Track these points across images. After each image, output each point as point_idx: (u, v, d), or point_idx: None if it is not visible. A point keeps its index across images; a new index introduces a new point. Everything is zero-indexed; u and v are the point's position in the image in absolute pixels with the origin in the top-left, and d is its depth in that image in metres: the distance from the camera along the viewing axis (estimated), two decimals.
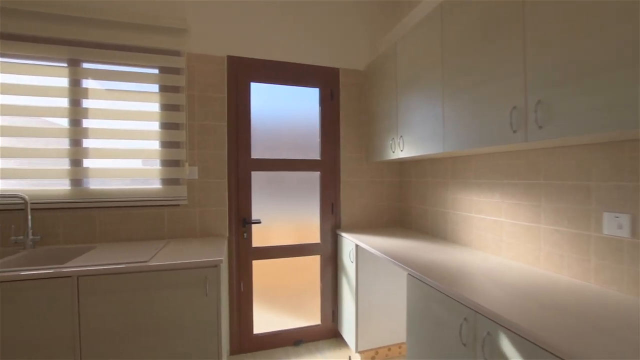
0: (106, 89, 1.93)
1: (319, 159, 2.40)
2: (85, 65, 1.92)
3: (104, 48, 1.92)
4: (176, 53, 2.03)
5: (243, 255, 2.22)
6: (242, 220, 2.21)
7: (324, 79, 2.39)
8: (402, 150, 1.95)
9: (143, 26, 1.95)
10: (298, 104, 2.37)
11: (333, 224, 2.43)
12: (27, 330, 1.35)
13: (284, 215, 2.35)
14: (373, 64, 2.32)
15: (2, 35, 1.79)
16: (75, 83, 1.89)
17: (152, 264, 1.47)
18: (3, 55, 1.80)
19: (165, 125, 2.03)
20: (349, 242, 2.16)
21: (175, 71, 2.03)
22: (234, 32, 2.16)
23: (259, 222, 2.23)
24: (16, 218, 1.81)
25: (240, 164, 2.20)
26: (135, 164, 2.04)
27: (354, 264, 2.08)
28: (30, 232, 1.75)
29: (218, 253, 1.66)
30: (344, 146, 2.43)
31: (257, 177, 2.26)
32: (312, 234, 2.40)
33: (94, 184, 1.97)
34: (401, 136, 1.95)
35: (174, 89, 2.03)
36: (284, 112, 2.33)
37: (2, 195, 1.63)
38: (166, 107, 2.02)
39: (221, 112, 2.13)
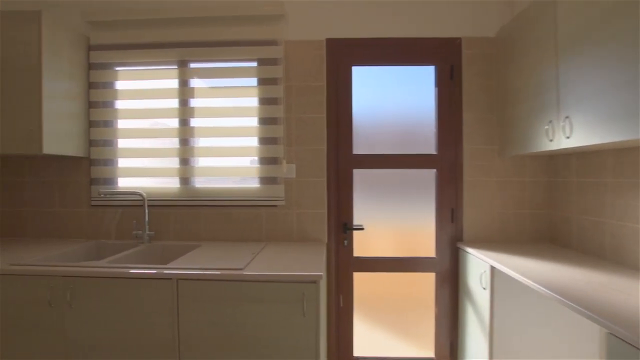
0: (210, 87, 1.92)
1: (434, 153, 1.94)
2: (192, 65, 1.94)
3: (207, 46, 1.90)
4: (273, 42, 1.89)
5: (343, 265, 1.94)
6: (342, 226, 1.93)
7: (441, 54, 1.91)
8: (568, 138, 1.33)
9: (241, 18, 1.86)
10: (408, 87, 1.96)
11: (452, 235, 1.93)
12: (133, 327, 1.35)
13: (390, 221, 1.97)
14: (511, 26, 1.72)
15: (121, 46, 1.94)
16: (184, 83, 1.93)
17: (247, 274, 1.31)
18: (123, 64, 1.96)
19: (264, 121, 1.91)
20: (479, 261, 1.64)
21: (273, 62, 1.89)
22: (332, 12, 1.90)
23: (362, 229, 1.92)
24: (136, 214, 1.94)
25: (340, 160, 1.93)
26: (236, 162, 1.98)
27: (487, 291, 1.56)
28: (146, 227, 1.84)
29: (317, 265, 1.41)
30: (468, 136, 1.90)
31: (359, 175, 1.95)
32: (424, 245, 1.95)
33: (200, 183, 1.98)
34: (567, 117, 1.34)
35: (272, 81, 1.89)
36: (391, 98, 1.96)
37: (124, 192, 1.73)
38: (264, 101, 1.90)
39: (320, 102, 1.89)
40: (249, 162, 1.97)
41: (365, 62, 1.93)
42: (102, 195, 1.68)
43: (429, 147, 1.95)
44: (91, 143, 1.96)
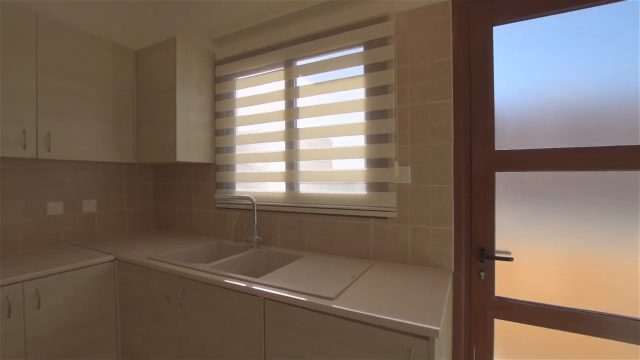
0: (314, 84, 1.76)
1: None
2: (298, 62, 1.83)
3: (311, 39, 1.75)
4: (383, 19, 1.55)
5: (478, 306, 1.40)
6: (478, 251, 1.39)
7: None
8: None
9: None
10: (598, 45, 1.24)
11: None
12: (223, 337, 1.28)
13: (559, 250, 1.29)
14: None
15: (239, 56, 2.02)
16: (289, 84, 1.84)
17: (336, 307, 1.03)
18: (241, 74, 2.04)
19: (371, 115, 1.60)
20: None
21: (382, 42, 1.55)
22: None
23: (509, 259, 1.33)
24: (249, 218, 1.98)
25: (475, 160, 1.40)
26: (341, 164, 1.75)
27: None
28: (255, 232, 1.83)
29: (434, 309, 0.99)
30: None
31: (505, 181, 1.37)
32: (628, 293, 1.18)
33: (303, 188, 1.85)
34: None
35: (381, 66, 1.56)
36: (563, 65, 1.28)
37: (236, 196, 1.76)
38: (372, 92, 1.59)
39: (444, 84, 1.43)
40: (356, 165, 1.69)
41: (517, 15, 1.33)
42: (218, 200, 1.77)
43: (633, 136, 1.16)
44: (216, 150, 2.14)
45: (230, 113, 2.09)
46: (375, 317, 0.96)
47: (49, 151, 1.64)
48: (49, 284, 1.44)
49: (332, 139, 1.80)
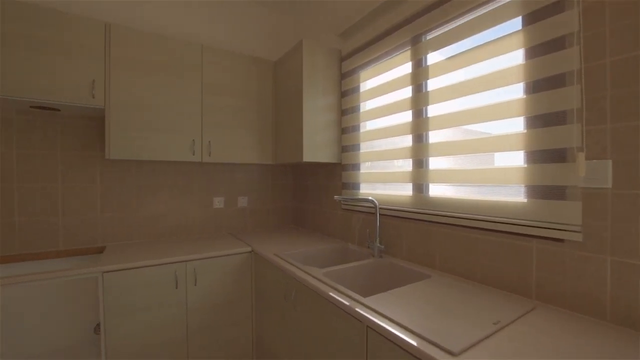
0: (447, 59, 1.38)
1: None
2: (428, 35, 1.49)
3: (443, 3, 1.38)
4: None
5: None
6: None
7: None
8: None
9: None
10: None
11: None
12: (323, 350, 1.15)
13: None
14: None
15: (363, 46, 1.85)
16: (417, 64, 1.53)
17: None
18: (366, 65, 1.86)
19: (535, 86, 1.09)
20: None
21: None
22: None
23: None
24: (371, 222, 1.79)
25: None
26: (485, 160, 1.30)
27: None
28: (377, 239, 1.63)
29: None
30: None
31: None
32: None
33: (434, 191, 1.49)
34: None
35: (554, 8, 1.03)
36: None
37: (356, 198, 1.62)
38: (536, 51, 1.08)
39: None
40: (509, 160, 1.21)
41: None
42: (337, 201, 1.67)
43: None
44: (342, 149, 2.06)
45: (355, 109, 1.96)
46: None
47: (209, 156, 2.00)
48: (204, 266, 1.73)
49: (471, 127, 1.37)
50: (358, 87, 1.95)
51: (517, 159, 1.16)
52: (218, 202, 2.32)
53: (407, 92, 1.58)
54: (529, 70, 1.09)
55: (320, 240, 2.05)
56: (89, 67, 1.63)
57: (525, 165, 1.12)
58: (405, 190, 1.65)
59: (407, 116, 1.59)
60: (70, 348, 1.79)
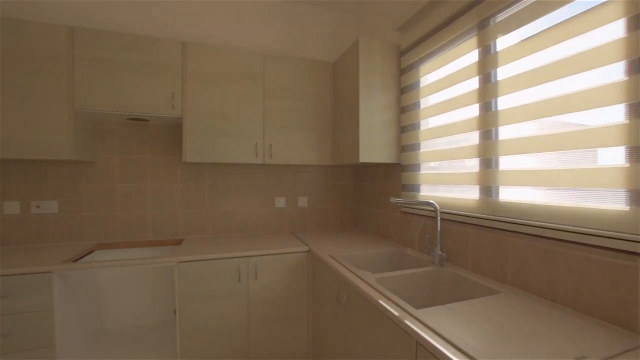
0: (519, 42, 1.19)
1: None
2: (498, 17, 1.31)
3: None
4: None
5: None
6: None
7: None
8: None
9: None
10: None
11: None
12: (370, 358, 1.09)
13: None
14: None
15: (423, 37, 1.72)
16: (485, 51, 1.35)
17: None
18: (426, 58, 1.73)
19: (633, 66, 0.86)
20: None
21: None
22: None
23: None
24: (432, 227, 1.65)
25: None
26: (570, 159, 1.08)
27: None
28: (438, 246, 1.50)
29: None
30: None
31: None
32: None
33: (505, 195, 1.30)
34: None
35: None
36: None
37: (415, 201, 1.52)
38: (638, 22, 0.85)
39: None
40: (603, 159, 0.99)
41: None
42: (394, 203, 1.59)
43: None
44: (402, 149, 1.95)
45: (415, 106, 1.84)
46: None
47: (271, 157, 2.10)
48: (263, 262, 1.82)
49: (550, 119, 1.15)
50: (418, 82, 1.83)
51: (614, 156, 0.94)
52: (280, 202, 2.43)
53: (473, 83, 1.42)
54: (631, 45, 0.87)
55: (378, 243, 1.98)
56: (170, 82, 1.87)
57: (628, 165, 0.89)
58: (470, 194, 1.48)
59: (473, 111, 1.43)
60: (155, 325, 2.08)
